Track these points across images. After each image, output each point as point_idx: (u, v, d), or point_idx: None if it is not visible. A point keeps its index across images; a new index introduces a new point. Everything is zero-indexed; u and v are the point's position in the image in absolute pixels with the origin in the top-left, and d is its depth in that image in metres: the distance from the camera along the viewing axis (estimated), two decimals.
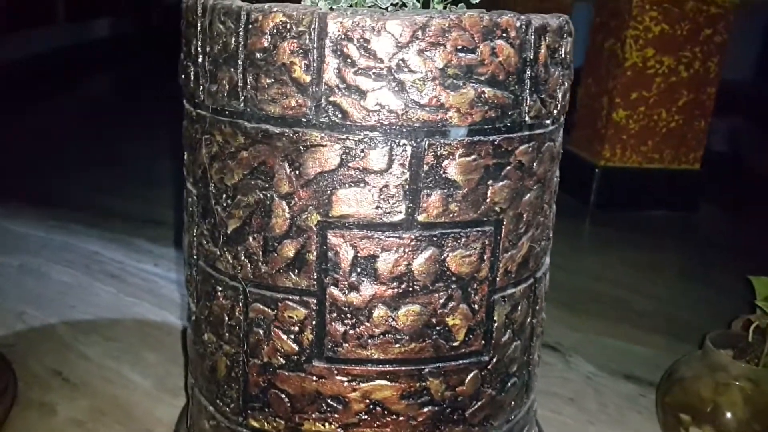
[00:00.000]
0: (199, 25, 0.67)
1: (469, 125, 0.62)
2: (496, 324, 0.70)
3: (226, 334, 0.72)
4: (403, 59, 0.59)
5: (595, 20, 2.28)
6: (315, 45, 0.59)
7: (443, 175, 0.63)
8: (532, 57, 0.64)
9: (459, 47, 0.60)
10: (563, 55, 0.69)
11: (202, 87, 0.68)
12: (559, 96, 0.70)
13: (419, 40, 0.59)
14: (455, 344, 0.68)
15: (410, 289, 0.65)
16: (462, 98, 0.61)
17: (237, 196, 0.67)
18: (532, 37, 0.64)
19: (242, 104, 0.64)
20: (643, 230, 2.12)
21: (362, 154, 0.61)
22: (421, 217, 0.64)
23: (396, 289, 0.65)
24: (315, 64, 0.60)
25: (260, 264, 0.67)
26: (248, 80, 0.63)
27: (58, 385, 1.09)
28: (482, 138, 0.64)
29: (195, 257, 0.75)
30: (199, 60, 0.67)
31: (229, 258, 0.69)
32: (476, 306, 0.68)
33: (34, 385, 1.08)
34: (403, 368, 0.67)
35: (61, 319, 1.30)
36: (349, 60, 0.59)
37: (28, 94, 3.59)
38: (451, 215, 0.64)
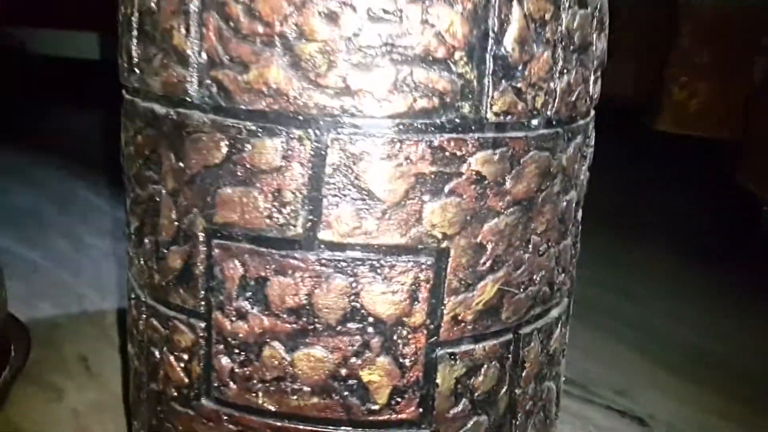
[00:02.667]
0: None
1: (391, 116, 0.46)
2: (438, 389, 0.52)
3: (136, 348, 0.62)
4: (297, 24, 0.45)
5: None
6: (197, 5, 0.47)
7: (355, 182, 0.47)
8: (497, 28, 0.46)
9: (373, 11, 0.44)
10: (564, 31, 0.50)
11: (119, 62, 0.59)
12: (557, 87, 0.51)
13: None
14: (374, 407, 0.51)
15: (310, 327, 0.50)
16: (377, 79, 0.45)
17: (136, 190, 0.56)
18: (497, 1, 0.46)
19: (136, 80, 0.53)
20: None
21: (249, 147, 0.48)
22: (324, 235, 0.48)
23: (292, 324, 0.50)
24: (195, 28, 0.47)
25: (154, 272, 0.56)
26: (139, 50, 0.52)
27: (77, 372, 1.08)
28: (411, 136, 0.47)
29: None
30: (119, 31, 0.59)
31: (135, 261, 0.59)
32: (406, 361, 0.51)
33: (57, 369, 1.08)
34: (301, 427, 0.52)
35: (115, 306, 1.31)
36: (231, 23, 0.46)
37: None
38: (366, 236, 0.48)
